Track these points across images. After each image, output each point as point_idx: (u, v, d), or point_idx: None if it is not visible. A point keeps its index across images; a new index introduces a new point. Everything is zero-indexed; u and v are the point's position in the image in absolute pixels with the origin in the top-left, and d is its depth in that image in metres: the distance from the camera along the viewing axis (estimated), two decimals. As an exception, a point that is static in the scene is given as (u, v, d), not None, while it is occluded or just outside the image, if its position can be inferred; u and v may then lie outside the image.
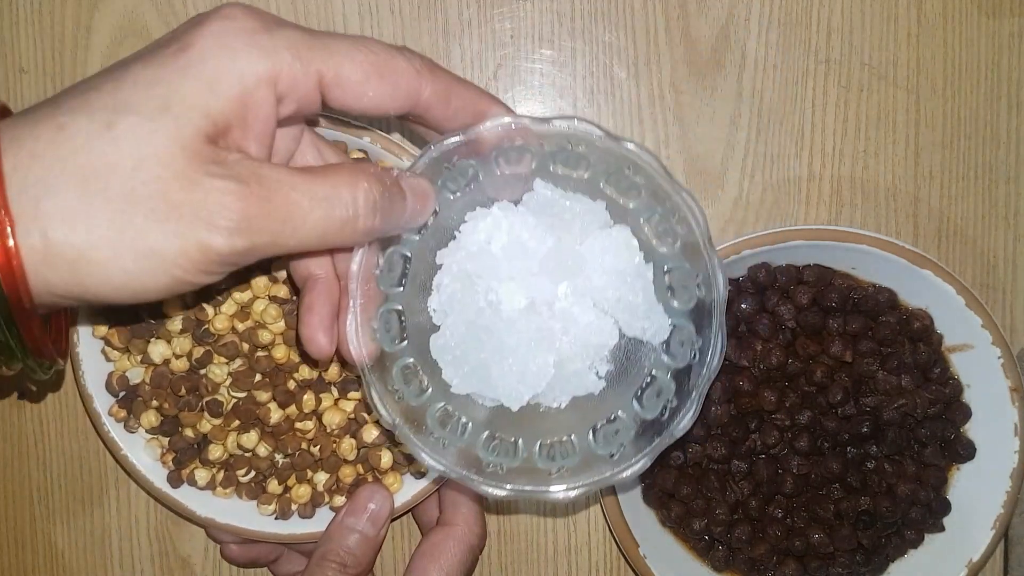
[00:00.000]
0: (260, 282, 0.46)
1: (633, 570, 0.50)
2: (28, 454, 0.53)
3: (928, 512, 0.50)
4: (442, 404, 0.39)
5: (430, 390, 0.39)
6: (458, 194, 0.39)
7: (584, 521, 0.54)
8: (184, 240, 0.29)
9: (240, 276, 0.47)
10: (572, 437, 0.40)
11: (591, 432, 0.40)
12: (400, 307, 0.39)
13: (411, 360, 0.39)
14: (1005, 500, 0.49)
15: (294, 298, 0.47)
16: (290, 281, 0.47)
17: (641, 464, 0.38)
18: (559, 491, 0.38)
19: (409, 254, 0.39)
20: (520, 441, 0.40)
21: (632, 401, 0.40)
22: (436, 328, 0.39)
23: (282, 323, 0.46)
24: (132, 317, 0.47)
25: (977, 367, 0.49)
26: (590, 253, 0.39)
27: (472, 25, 0.51)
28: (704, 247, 0.37)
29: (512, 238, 0.39)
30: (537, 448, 0.40)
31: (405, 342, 0.39)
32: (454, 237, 0.39)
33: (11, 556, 0.54)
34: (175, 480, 0.49)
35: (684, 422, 0.37)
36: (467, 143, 0.37)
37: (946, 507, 0.50)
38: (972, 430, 0.51)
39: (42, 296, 0.30)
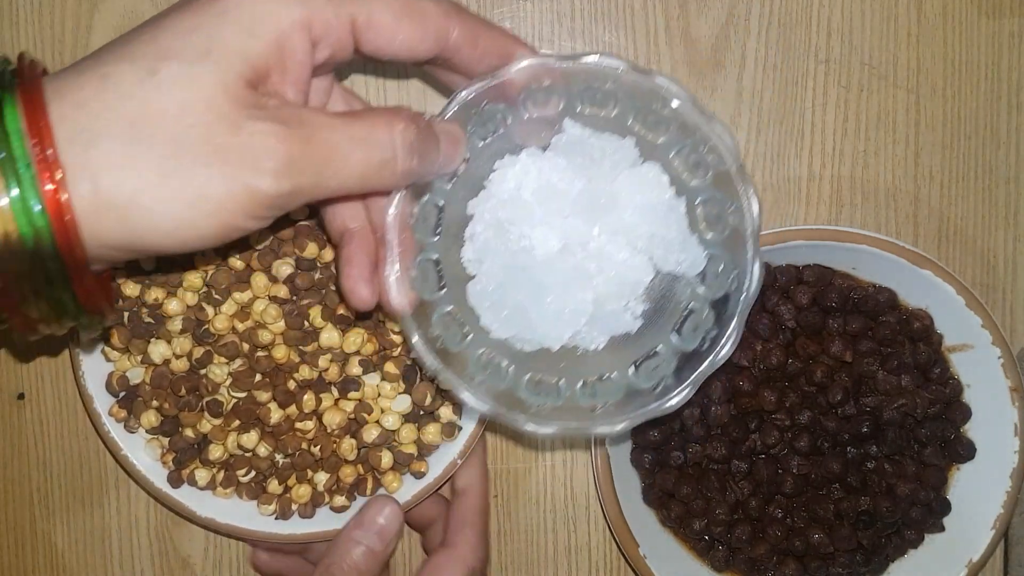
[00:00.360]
0: (260, 282, 0.46)
1: (633, 570, 0.50)
2: (28, 454, 0.53)
3: (928, 512, 0.50)
4: (483, 349, 0.40)
5: (470, 336, 0.40)
6: (488, 140, 0.39)
7: (584, 521, 0.54)
8: (231, 183, 0.29)
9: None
10: (613, 374, 0.40)
11: (632, 368, 0.40)
12: (436, 256, 0.39)
13: (450, 308, 0.40)
14: (1005, 500, 0.49)
15: (294, 298, 0.47)
16: (291, 281, 0.47)
17: (685, 394, 0.38)
18: (605, 426, 0.39)
19: (442, 203, 0.39)
20: (562, 381, 0.40)
21: (671, 335, 0.40)
22: (472, 277, 0.39)
23: (282, 323, 0.46)
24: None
25: (977, 367, 0.49)
26: (621, 191, 0.39)
27: (472, 25, 0.51)
28: (736, 175, 0.37)
29: (542, 182, 0.39)
30: (579, 387, 0.40)
31: (443, 290, 0.39)
32: (484, 187, 0.39)
33: (11, 556, 0.54)
34: (175, 480, 0.49)
35: (725, 350, 0.38)
36: (495, 86, 0.37)
37: (946, 507, 0.50)
38: (972, 430, 0.51)
39: (93, 248, 0.30)
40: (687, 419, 0.49)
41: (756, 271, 0.38)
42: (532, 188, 0.39)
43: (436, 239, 0.39)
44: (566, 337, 0.39)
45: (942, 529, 0.50)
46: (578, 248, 0.39)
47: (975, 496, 0.50)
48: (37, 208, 0.28)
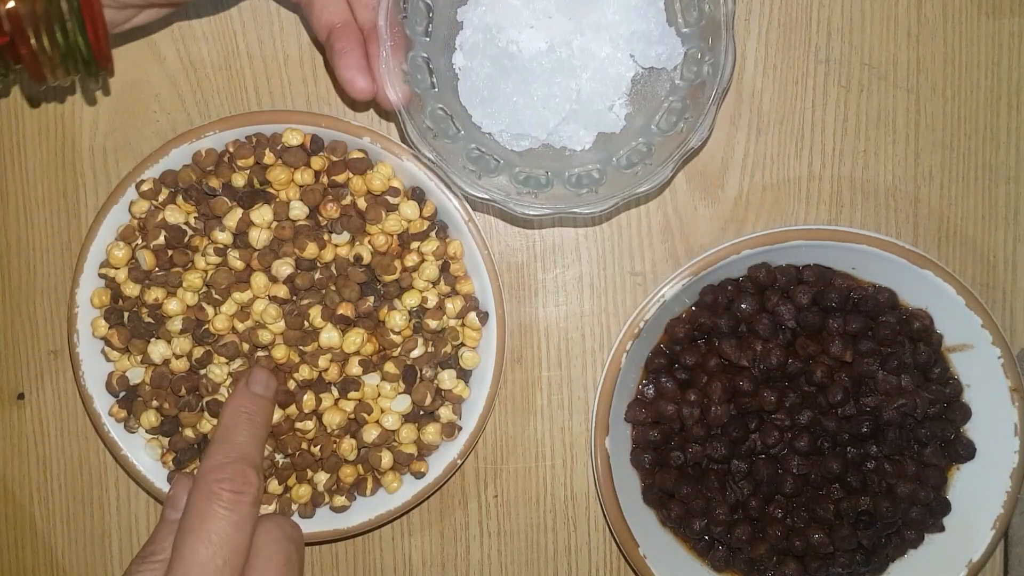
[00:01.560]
0: (260, 282, 0.46)
1: (633, 570, 0.50)
2: (28, 454, 0.53)
3: (928, 512, 0.50)
4: (474, 145, 0.43)
5: (462, 132, 0.43)
6: None
7: (584, 521, 0.54)
8: None
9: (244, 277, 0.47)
10: (597, 164, 0.43)
11: (614, 158, 0.43)
12: (427, 56, 0.42)
13: (441, 106, 0.42)
14: (1005, 500, 0.49)
15: (294, 298, 0.47)
16: (291, 282, 0.47)
17: (665, 175, 0.41)
18: (590, 206, 0.42)
19: (431, 1, 0.42)
20: (549, 173, 0.43)
21: (651, 127, 0.43)
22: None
23: (282, 323, 0.46)
24: None
25: (977, 367, 0.49)
26: None
27: (472, 25, 0.51)
28: None
29: None
30: (566, 177, 0.43)
31: (435, 88, 0.42)
32: None
33: (11, 556, 0.54)
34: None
35: (700, 132, 0.41)
36: None
37: (946, 507, 0.50)
38: (972, 430, 0.51)
39: None
40: (687, 419, 0.49)
41: (730, 58, 0.41)
42: None
43: (427, 40, 0.42)
44: (552, 125, 0.42)
45: (942, 529, 0.50)
46: (563, 46, 0.42)
47: (975, 496, 0.50)
48: None
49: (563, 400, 0.53)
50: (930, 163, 0.53)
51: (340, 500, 0.49)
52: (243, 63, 0.51)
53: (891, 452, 0.49)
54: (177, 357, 0.47)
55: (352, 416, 0.48)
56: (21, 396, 0.53)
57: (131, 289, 0.47)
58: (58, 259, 0.52)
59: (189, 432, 0.48)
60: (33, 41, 0.35)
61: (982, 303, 0.48)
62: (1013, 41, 0.52)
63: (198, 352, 0.47)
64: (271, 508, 0.49)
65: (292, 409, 0.47)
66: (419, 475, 0.49)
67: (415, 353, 0.47)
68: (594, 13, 0.41)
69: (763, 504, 0.49)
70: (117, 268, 0.47)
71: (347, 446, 0.48)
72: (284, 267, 0.46)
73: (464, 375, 0.49)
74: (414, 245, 0.47)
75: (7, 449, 0.53)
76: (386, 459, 0.48)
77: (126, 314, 0.48)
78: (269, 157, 0.47)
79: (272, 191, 0.47)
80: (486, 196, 0.42)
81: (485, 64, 0.42)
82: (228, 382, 0.47)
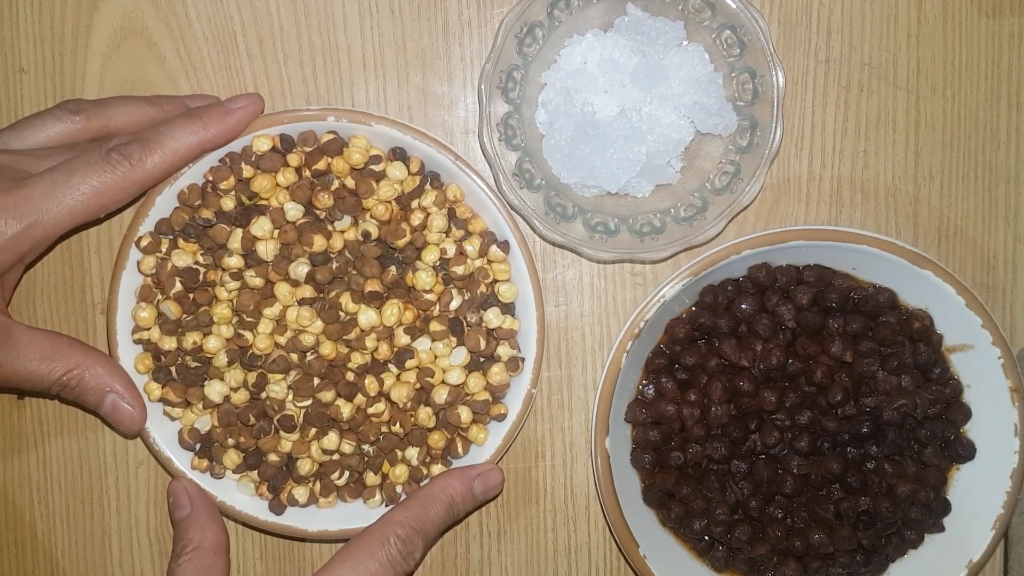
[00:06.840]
0: (283, 290, 0.46)
1: (633, 570, 0.50)
2: (28, 454, 0.53)
3: (928, 512, 0.50)
4: (553, 193, 0.48)
5: (543, 181, 0.48)
6: (564, 22, 0.48)
7: (584, 521, 0.54)
8: None
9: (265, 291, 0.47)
10: (658, 215, 0.49)
11: (672, 209, 0.49)
12: (517, 116, 0.48)
13: (527, 159, 0.48)
14: (1005, 500, 0.49)
15: (321, 295, 0.47)
16: (312, 279, 0.47)
17: (719, 227, 0.47)
18: (651, 253, 0.48)
19: (524, 74, 0.48)
20: (617, 220, 0.49)
21: (705, 184, 0.49)
22: (543, 136, 0.48)
23: (319, 321, 0.47)
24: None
25: (977, 367, 0.49)
26: (671, 66, 0.47)
27: (472, 25, 0.51)
28: (765, 50, 0.46)
29: (605, 57, 0.48)
30: (629, 224, 0.49)
31: (523, 143, 0.48)
32: (555, 60, 0.48)
33: (11, 556, 0.54)
34: (277, 507, 0.49)
35: (750, 193, 0.47)
36: None
37: (946, 507, 0.50)
38: (972, 430, 0.51)
39: None
40: (687, 419, 0.49)
41: (778, 129, 0.47)
42: (596, 62, 0.48)
43: (518, 102, 0.48)
44: (623, 182, 0.48)
45: (942, 529, 0.50)
46: (633, 112, 0.48)
47: (975, 496, 0.50)
48: None
49: (563, 400, 0.53)
50: (930, 163, 0.53)
51: (437, 468, 0.49)
52: (243, 63, 0.51)
53: (891, 452, 0.49)
54: (234, 390, 0.48)
55: (418, 385, 0.48)
56: (21, 396, 0.53)
57: (168, 343, 0.48)
58: (58, 259, 0.52)
59: (273, 456, 0.48)
60: None
61: (982, 303, 0.48)
62: (1013, 41, 0.52)
63: (252, 377, 0.48)
64: (378, 499, 0.49)
65: (359, 399, 0.48)
66: (501, 418, 0.49)
67: (454, 304, 0.48)
68: (661, 85, 0.47)
69: (763, 504, 0.49)
70: (148, 329, 0.48)
71: (424, 415, 0.48)
72: (301, 267, 0.47)
73: (508, 308, 0.49)
74: (414, 203, 0.48)
75: (7, 449, 0.53)
76: (464, 414, 0.48)
77: (172, 368, 0.48)
78: (247, 171, 0.47)
79: (263, 202, 0.47)
80: (563, 241, 0.47)
81: (568, 127, 0.47)
82: (290, 396, 0.48)
